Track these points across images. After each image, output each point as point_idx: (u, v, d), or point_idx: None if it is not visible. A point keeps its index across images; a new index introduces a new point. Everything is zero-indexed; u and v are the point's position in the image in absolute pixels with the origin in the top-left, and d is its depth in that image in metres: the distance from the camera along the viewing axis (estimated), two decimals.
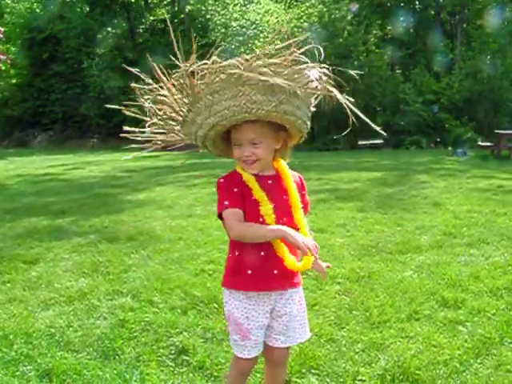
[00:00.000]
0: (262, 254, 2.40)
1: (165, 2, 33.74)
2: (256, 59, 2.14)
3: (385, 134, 2.52)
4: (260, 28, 29.16)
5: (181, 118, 2.36)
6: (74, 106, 30.36)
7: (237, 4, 31.18)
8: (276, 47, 2.21)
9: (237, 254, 2.46)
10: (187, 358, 3.44)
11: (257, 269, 2.42)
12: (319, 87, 2.25)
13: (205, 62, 2.18)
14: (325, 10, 24.99)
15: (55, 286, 4.91)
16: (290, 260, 2.39)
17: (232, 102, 2.17)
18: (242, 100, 2.16)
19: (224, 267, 2.60)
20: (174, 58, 2.24)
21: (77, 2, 32.96)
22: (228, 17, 30.91)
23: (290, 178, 2.47)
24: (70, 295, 4.63)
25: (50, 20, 30.65)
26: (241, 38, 29.97)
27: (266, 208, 2.36)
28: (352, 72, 2.50)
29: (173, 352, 3.53)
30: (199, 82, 2.21)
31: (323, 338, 3.65)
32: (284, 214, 2.42)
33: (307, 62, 2.22)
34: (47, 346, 3.63)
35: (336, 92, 2.24)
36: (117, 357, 3.49)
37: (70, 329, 3.92)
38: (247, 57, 2.16)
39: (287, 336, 2.56)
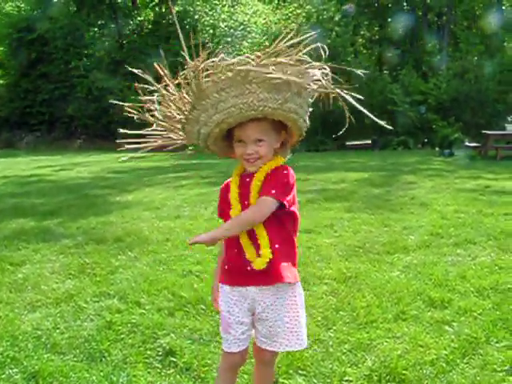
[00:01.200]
0: (236, 250, 2.45)
1: (153, 3, 33.63)
2: (265, 57, 2.16)
3: (391, 128, 2.55)
4: (248, 29, 29.24)
5: (183, 117, 2.36)
6: (61, 107, 30.19)
7: (225, 5, 31.25)
8: (282, 46, 2.22)
9: (224, 249, 2.58)
10: (174, 359, 3.44)
11: (231, 264, 2.49)
12: (325, 85, 2.27)
13: (213, 59, 2.17)
14: (313, 10, 25.05)
15: (42, 287, 4.89)
16: (250, 254, 2.41)
17: (239, 100, 2.19)
18: (249, 97, 2.18)
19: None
20: (184, 55, 2.23)
21: (64, 2, 32.80)
22: (216, 18, 30.95)
23: (262, 175, 2.43)
24: (57, 297, 4.61)
25: (38, 20, 30.49)
26: (229, 39, 30.04)
27: (233, 211, 2.44)
28: (359, 71, 2.53)
29: (160, 353, 3.53)
30: (205, 79, 2.21)
31: (310, 338, 3.64)
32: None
33: (311, 62, 2.24)
34: (33, 349, 3.61)
35: (340, 91, 2.28)
36: (104, 359, 3.48)
37: (57, 331, 3.91)
38: (258, 53, 2.17)
39: (273, 341, 2.52)
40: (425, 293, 4.47)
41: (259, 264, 2.37)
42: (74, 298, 4.59)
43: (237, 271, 2.46)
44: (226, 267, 2.51)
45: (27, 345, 3.67)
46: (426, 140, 23.50)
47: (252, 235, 2.40)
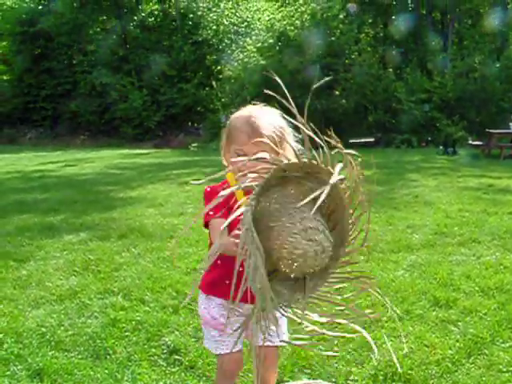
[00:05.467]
0: (241, 269, 2.35)
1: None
2: None
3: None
4: (252, 26, 29.19)
5: None
6: (64, 103, 30.21)
7: (228, 1, 31.20)
8: None
9: (219, 262, 2.28)
10: (179, 357, 3.43)
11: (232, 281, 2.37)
12: None
13: None
14: (318, 8, 24.99)
15: (46, 284, 4.89)
16: None
17: None
18: None
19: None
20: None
21: None
22: (219, 14, 30.90)
23: None
24: (61, 294, 4.61)
25: (42, 14, 30.51)
26: (232, 36, 29.99)
27: None
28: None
29: (164, 351, 3.52)
30: None
31: (315, 337, 3.63)
32: None
33: None
34: (38, 346, 3.61)
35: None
36: (108, 356, 3.47)
37: (61, 328, 3.90)
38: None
39: (277, 333, 2.46)
40: (430, 292, 4.46)
41: None
42: (78, 294, 4.59)
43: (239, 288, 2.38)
44: (228, 282, 2.22)
45: (31, 342, 3.67)
46: (429, 138, 23.45)
47: None
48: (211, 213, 2.23)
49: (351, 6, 26.28)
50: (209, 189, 2.38)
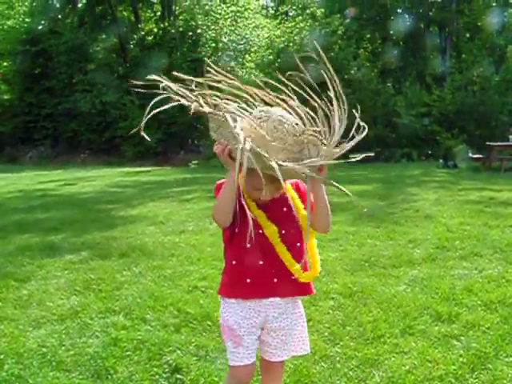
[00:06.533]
0: (261, 263, 2.44)
1: (155, 18, 33.79)
2: None
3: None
4: (250, 42, 29.31)
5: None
6: (65, 122, 30.27)
7: (227, 18, 31.35)
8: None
9: (234, 263, 2.50)
10: (181, 376, 3.42)
11: (256, 278, 2.45)
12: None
13: None
14: (316, 24, 25.12)
15: (47, 304, 4.87)
16: (296, 268, 2.45)
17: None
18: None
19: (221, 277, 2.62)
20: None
21: (68, 16, 33.00)
22: (218, 31, 31.04)
23: (291, 191, 2.49)
24: (62, 313, 4.59)
25: (42, 33, 30.68)
26: (231, 53, 30.11)
27: (269, 231, 2.44)
28: None
29: (166, 370, 3.51)
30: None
31: (317, 354, 3.63)
32: (287, 225, 2.46)
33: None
34: (39, 366, 3.60)
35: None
36: (109, 376, 3.46)
37: (62, 348, 3.89)
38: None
39: (283, 350, 2.57)
40: (432, 307, 4.45)
41: (309, 277, 2.50)
42: (80, 314, 4.58)
43: (262, 284, 2.46)
44: (249, 281, 2.45)
45: (32, 362, 3.65)
46: (429, 152, 23.48)
47: (294, 249, 2.46)
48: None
49: (349, 12, 26.48)
50: (219, 182, 2.49)
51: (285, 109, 2.36)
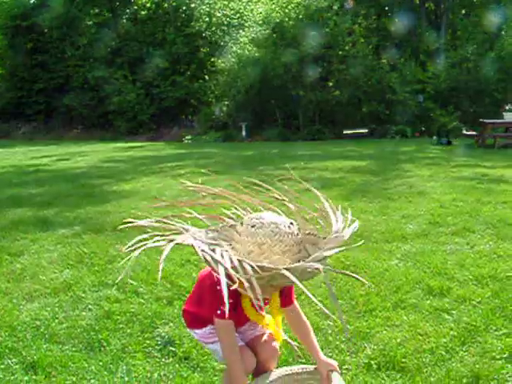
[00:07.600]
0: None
1: None
2: None
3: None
4: (244, 17, 29.07)
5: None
6: (57, 97, 30.09)
7: None
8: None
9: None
10: (173, 348, 3.43)
11: None
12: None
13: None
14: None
15: (40, 277, 4.87)
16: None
17: None
18: None
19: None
20: None
21: None
22: (212, 6, 30.77)
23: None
24: (55, 287, 4.60)
25: (33, 8, 30.37)
26: (225, 28, 29.87)
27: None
28: None
29: (159, 343, 3.52)
30: None
31: None
32: None
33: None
34: (32, 339, 3.60)
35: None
36: (102, 348, 3.47)
37: (55, 321, 3.90)
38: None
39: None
40: (423, 281, 4.47)
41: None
42: (73, 287, 4.58)
43: None
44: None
45: (26, 335, 3.66)
46: (423, 129, 23.49)
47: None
48: (218, 312, 2.40)
49: (347, 3, 26.37)
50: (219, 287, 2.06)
51: (273, 210, 2.42)
